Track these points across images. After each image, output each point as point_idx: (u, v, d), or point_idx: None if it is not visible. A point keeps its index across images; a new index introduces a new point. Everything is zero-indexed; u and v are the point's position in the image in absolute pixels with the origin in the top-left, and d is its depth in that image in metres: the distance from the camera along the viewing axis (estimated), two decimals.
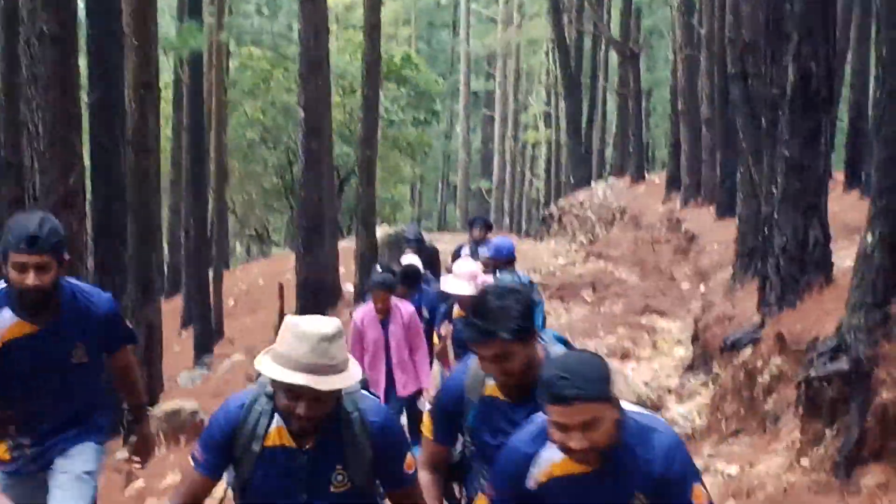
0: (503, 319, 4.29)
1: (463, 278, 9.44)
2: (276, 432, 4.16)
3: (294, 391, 3.94)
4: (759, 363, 12.29)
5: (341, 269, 25.70)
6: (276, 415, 4.16)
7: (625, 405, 3.79)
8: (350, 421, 4.17)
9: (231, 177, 37.09)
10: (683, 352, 17.09)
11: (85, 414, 5.79)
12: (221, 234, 32.15)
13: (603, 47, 48.90)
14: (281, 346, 3.96)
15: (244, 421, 4.16)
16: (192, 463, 4.31)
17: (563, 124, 49.15)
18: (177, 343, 26.83)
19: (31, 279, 4.91)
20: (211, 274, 27.00)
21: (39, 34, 11.55)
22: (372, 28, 24.47)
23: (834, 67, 13.35)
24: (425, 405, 10.66)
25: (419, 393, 10.38)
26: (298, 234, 24.49)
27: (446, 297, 9.95)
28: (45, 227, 4.91)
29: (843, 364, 10.43)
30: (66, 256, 5.06)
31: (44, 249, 4.89)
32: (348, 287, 24.81)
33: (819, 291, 12.41)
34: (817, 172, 12.73)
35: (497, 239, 14.85)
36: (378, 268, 13.38)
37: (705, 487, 3.90)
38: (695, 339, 16.06)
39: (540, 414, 3.87)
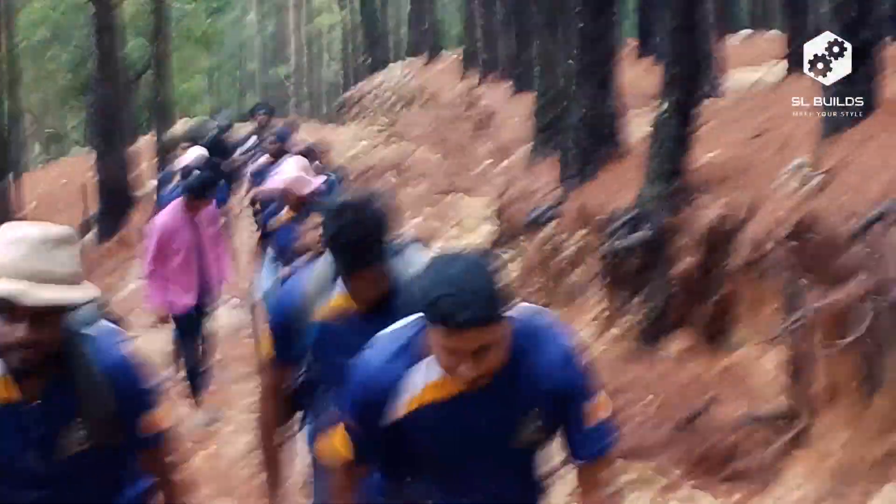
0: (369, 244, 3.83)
1: (292, 172, 9.07)
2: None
3: (11, 309, 2.93)
4: (563, 236, 12.38)
5: (142, 166, 25.17)
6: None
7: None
8: (84, 361, 3.12)
9: (24, 76, 35.97)
10: (489, 229, 17.13)
11: None
12: (17, 135, 31.28)
13: None
14: None
15: None
16: None
17: (356, 5, 48.73)
18: None
19: None
20: (11, 177, 25.96)
21: None
22: None
23: None
24: (233, 301, 10.48)
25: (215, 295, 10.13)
26: (95, 133, 23.94)
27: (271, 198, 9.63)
28: None
29: (643, 234, 10.57)
30: None
31: None
32: (152, 183, 24.31)
33: (617, 162, 12.56)
34: (609, 43, 12.79)
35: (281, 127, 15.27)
36: (198, 154, 13.15)
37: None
38: (499, 215, 16.10)
39: (401, 326, 3.22)
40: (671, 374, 9.64)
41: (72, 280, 3.04)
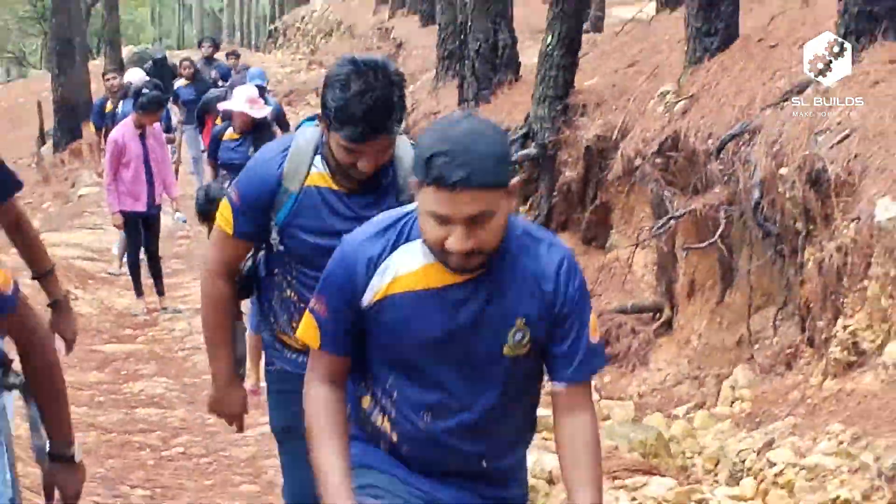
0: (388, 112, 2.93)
1: (243, 100, 8.94)
2: None
3: None
4: None
5: (93, 87, 24.67)
6: None
7: None
8: None
9: None
10: None
11: None
12: None
13: None
14: None
15: None
16: None
17: None
18: None
19: None
20: None
21: None
22: None
23: None
24: (178, 216, 10.24)
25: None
26: (52, 56, 23.52)
27: (228, 116, 9.41)
28: None
29: (531, 150, 10.53)
30: None
31: None
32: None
33: (509, 87, 12.54)
34: None
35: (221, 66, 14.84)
36: (138, 75, 12.89)
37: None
38: (407, 133, 15.94)
39: (395, 210, 2.57)
40: None
41: None
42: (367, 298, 2.41)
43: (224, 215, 3.10)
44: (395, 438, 2.48)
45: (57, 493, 2.77)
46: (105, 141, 11.57)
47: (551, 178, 10.33)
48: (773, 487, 5.42)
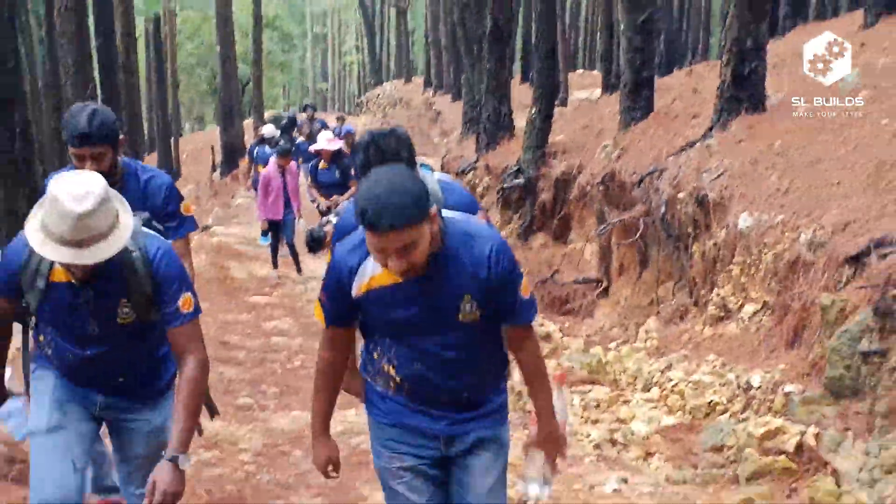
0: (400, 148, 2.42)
1: (323, 141, 8.75)
2: (60, 270, 2.34)
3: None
4: (477, 180, 12.22)
5: (247, 138, 24.74)
6: None
7: (445, 213, 2.26)
8: (131, 260, 2.33)
9: (182, 85, 35.34)
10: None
11: None
12: (177, 117, 30.76)
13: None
14: (47, 214, 2.17)
15: (27, 260, 2.35)
16: None
17: (366, 49, 47.63)
18: None
19: (88, 166, 2.77)
20: (173, 141, 25.71)
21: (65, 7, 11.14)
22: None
23: (510, 18, 13.06)
24: (301, 223, 9.79)
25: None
26: (220, 116, 23.69)
27: (316, 154, 9.21)
28: (95, 121, 2.76)
29: (521, 180, 10.46)
30: (121, 137, 2.90)
31: (96, 142, 2.77)
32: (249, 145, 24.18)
33: (507, 141, 12.42)
34: (505, 81, 12.62)
35: (321, 121, 14.60)
36: (272, 130, 12.61)
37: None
38: (442, 168, 15.88)
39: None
40: (535, 256, 9.59)
41: (108, 232, 2.21)
42: (355, 292, 2.20)
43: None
44: (398, 379, 2.26)
45: (157, 488, 2.26)
46: (252, 169, 11.46)
47: (533, 198, 10.25)
48: (671, 394, 5.36)
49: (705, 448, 4.58)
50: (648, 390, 5.58)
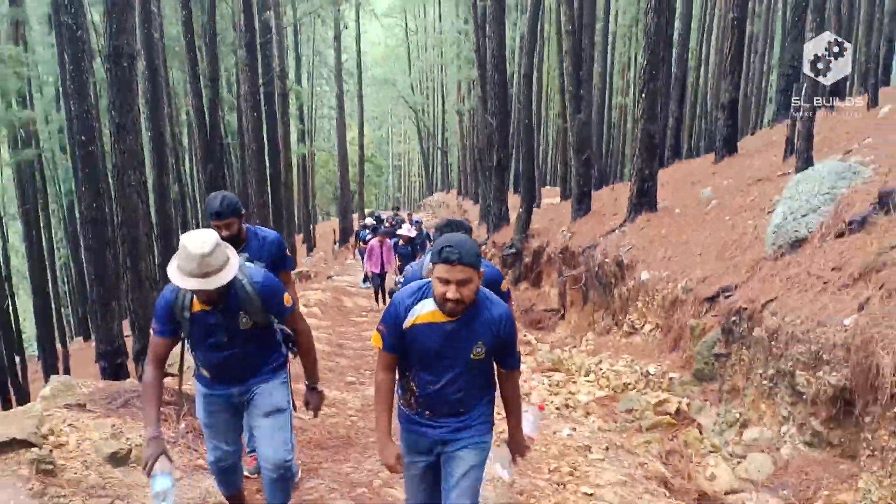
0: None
1: (406, 230, 8.27)
2: (196, 302, 2.20)
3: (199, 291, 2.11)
4: (487, 250, 12.20)
5: (355, 224, 24.83)
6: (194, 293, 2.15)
7: None
8: (242, 286, 2.20)
9: (318, 193, 35.44)
10: None
11: None
12: (315, 212, 30.78)
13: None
14: (180, 258, 2.10)
15: (175, 299, 2.20)
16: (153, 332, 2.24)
17: (424, 175, 47.44)
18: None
19: (222, 232, 2.59)
20: (312, 227, 25.71)
21: (252, 150, 10.89)
22: (360, 145, 24.42)
23: (508, 156, 12.98)
24: (393, 279, 9.51)
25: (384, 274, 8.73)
26: (339, 211, 23.67)
27: (399, 237, 8.33)
28: (224, 203, 2.62)
29: (513, 250, 10.52)
30: (243, 212, 2.73)
31: (225, 217, 2.62)
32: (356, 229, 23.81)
33: (506, 227, 12.38)
34: (504, 192, 12.62)
35: (399, 217, 13.97)
36: (371, 220, 11.93)
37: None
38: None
39: (421, 281, 2.03)
40: (521, 295, 9.56)
41: (222, 266, 2.11)
42: (405, 324, 1.96)
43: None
44: (417, 394, 2.02)
45: (310, 406, 2.35)
46: (356, 243, 11.26)
47: (520, 261, 10.25)
48: (602, 378, 5.34)
49: (621, 410, 4.63)
50: (588, 375, 5.57)
